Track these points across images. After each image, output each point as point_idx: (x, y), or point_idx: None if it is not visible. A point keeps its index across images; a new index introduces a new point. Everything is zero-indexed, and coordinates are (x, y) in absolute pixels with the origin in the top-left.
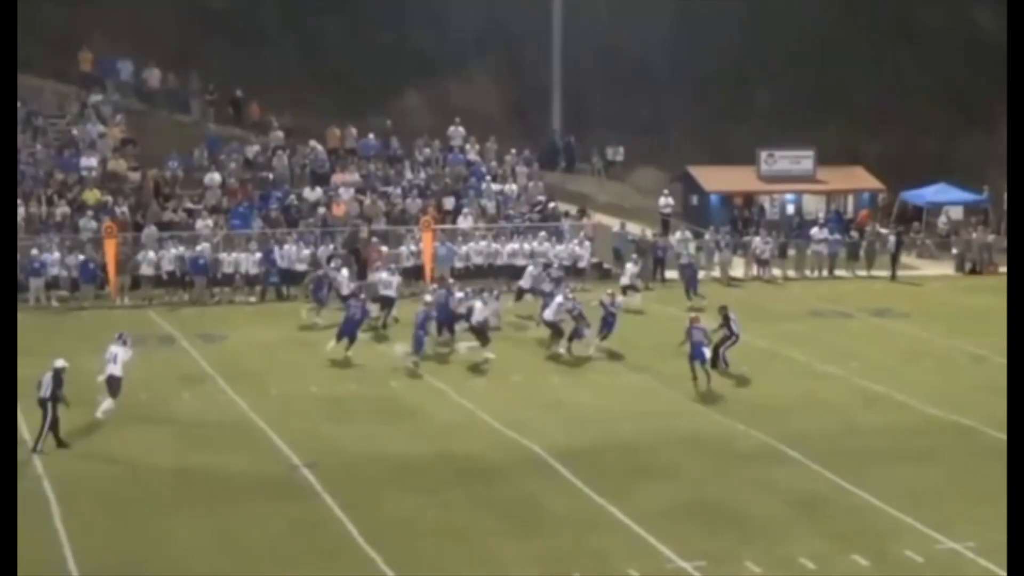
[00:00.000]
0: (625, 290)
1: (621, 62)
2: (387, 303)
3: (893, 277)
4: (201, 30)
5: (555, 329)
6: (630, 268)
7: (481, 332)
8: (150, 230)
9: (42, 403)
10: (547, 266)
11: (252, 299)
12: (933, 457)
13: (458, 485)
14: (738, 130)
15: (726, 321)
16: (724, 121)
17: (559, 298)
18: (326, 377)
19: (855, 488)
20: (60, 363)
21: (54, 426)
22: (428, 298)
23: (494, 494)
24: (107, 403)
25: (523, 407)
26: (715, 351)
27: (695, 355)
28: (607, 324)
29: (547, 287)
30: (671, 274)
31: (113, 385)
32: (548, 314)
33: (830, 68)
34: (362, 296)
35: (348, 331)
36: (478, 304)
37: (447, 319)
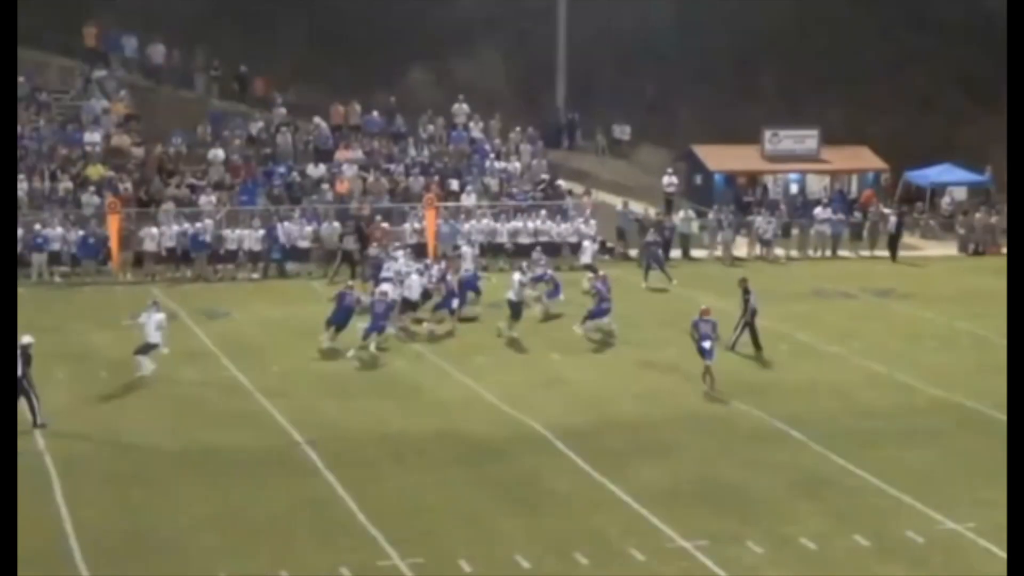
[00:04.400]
0: (588, 268)
1: (626, 40)
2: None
3: (893, 258)
4: (207, 6)
5: (514, 309)
6: (588, 247)
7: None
8: (168, 205)
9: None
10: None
11: (255, 276)
12: (934, 438)
13: (459, 463)
14: (742, 109)
15: (746, 294)
16: (729, 100)
17: (516, 275)
18: (327, 354)
19: (856, 468)
20: (27, 339)
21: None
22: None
23: (495, 472)
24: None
25: (524, 385)
26: (748, 327)
27: (700, 351)
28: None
29: (539, 270)
30: (675, 253)
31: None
32: (510, 293)
33: (835, 47)
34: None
35: (340, 320)
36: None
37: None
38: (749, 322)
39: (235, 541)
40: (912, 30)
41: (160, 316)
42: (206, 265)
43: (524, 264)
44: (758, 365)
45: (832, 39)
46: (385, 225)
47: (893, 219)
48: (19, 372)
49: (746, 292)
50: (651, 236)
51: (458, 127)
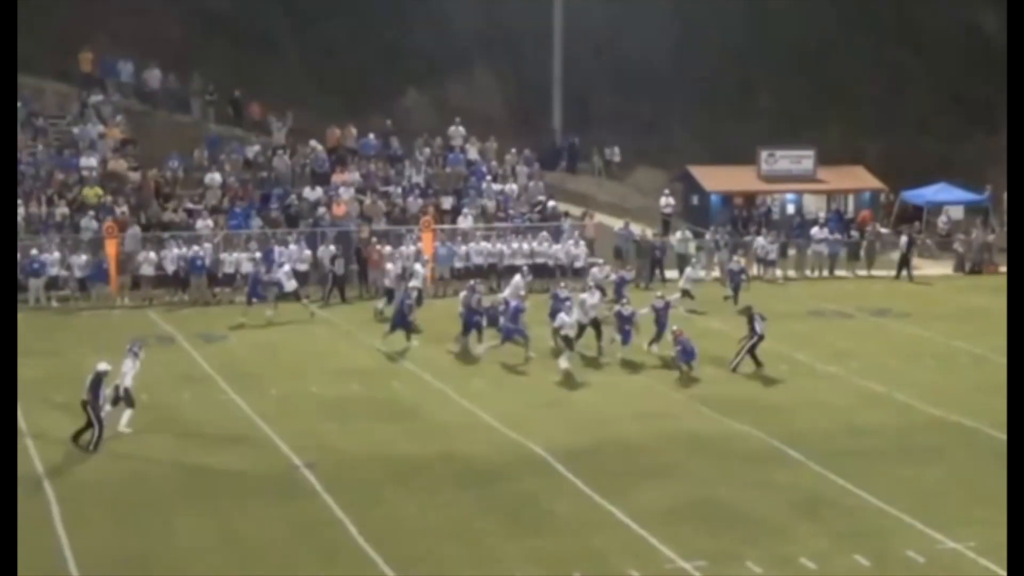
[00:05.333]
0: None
1: (622, 62)
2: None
3: (905, 277)
4: (202, 31)
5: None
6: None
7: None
8: (133, 231)
9: (84, 405)
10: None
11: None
12: (934, 457)
13: (459, 485)
14: (739, 130)
15: (751, 321)
16: (725, 121)
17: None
18: (326, 377)
19: (856, 488)
20: (103, 367)
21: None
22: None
23: (495, 494)
24: (127, 415)
25: (524, 407)
26: (749, 353)
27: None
28: (660, 326)
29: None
30: (671, 274)
31: (128, 397)
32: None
33: (831, 67)
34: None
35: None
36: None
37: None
38: (753, 347)
39: (234, 565)
40: (909, 51)
41: (134, 364)
42: (205, 289)
43: (593, 284)
44: (757, 385)
45: (828, 59)
46: (387, 248)
47: (904, 239)
48: (87, 396)
49: (751, 319)
50: (734, 264)
51: (454, 149)
